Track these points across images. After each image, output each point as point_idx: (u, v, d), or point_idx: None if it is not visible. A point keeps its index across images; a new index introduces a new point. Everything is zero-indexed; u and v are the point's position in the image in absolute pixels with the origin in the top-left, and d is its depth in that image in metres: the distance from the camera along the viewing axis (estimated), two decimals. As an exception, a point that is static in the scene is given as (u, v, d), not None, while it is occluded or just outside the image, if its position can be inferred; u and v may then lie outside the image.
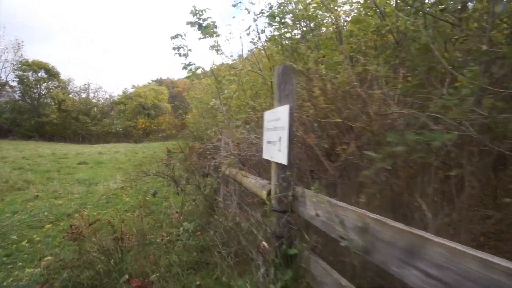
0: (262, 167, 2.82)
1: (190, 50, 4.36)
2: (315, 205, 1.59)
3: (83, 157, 15.46)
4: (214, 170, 4.30)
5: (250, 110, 4.82)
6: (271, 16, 4.96)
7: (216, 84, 4.96)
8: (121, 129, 37.30)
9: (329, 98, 1.87)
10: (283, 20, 5.11)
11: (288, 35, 5.77)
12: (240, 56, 7.08)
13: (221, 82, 5.06)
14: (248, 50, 7.73)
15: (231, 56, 7.51)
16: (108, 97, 43.54)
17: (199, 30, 4.05)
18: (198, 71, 5.09)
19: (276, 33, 6.10)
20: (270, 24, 5.96)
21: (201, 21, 4.01)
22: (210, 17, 4.08)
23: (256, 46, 7.22)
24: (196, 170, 4.44)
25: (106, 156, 16.92)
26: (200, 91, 12.65)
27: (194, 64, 4.36)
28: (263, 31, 8.43)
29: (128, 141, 33.30)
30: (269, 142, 2.05)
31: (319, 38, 4.88)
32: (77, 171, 11.28)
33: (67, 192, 7.77)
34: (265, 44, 6.64)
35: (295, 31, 5.88)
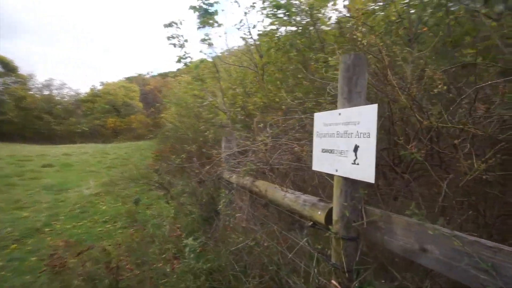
0: (291, 179, 2.41)
1: (186, 40, 3.84)
2: (418, 236, 1.21)
3: (48, 159, 14.08)
4: (216, 178, 3.82)
5: (254, 108, 4.39)
6: (276, 7, 4.56)
7: (216, 75, 4.45)
8: (87, 129, 34.97)
9: (411, 95, 1.50)
10: (287, 12, 4.74)
11: (289, 28, 5.41)
12: (231, 51, 6.62)
13: (219, 77, 4.57)
14: (238, 46, 7.28)
15: (222, 50, 7.01)
16: (74, 94, 40.73)
17: (203, 18, 3.55)
18: (188, 61, 4.56)
19: (273, 27, 5.72)
20: (269, 16, 5.56)
21: (206, 6, 3.49)
22: (218, 2, 3.59)
23: (246, 41, 6.81)
24: (196, 177, 3.93)
25: (73, 157, 15.58)
26: (180, 89, 11.95)
27: (190, 57, 3.84)
28: (254, 26, 8.02)
29: (96, 141, 31.20)
30: (327, 151, 1.65)
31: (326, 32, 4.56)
32: (42, 175, 10.12)
33: (33, 201, 6.80)
34: (257, 39, 6.24)
35: (292, 28, 5.54)
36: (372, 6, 4.26)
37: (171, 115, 12.72)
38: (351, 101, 1.49)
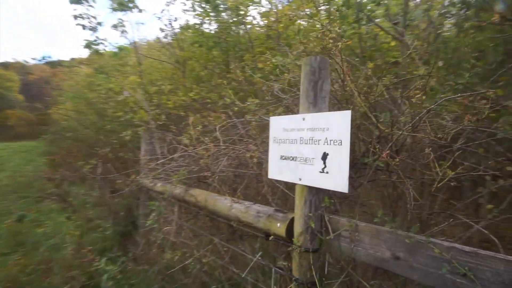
0: (233, 187, 2.23)
1: (100, 23, 3.21)
2: (389, 244, 1.21)
3: None
4: (136, 186, 3.33)
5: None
6: (204, 1, 4.29)
7: (138, 68, 3.87)
8: None
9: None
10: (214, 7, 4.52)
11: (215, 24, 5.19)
12: (150, 42, 5.98)
13: (141, 70, 4.00)
14: (159, 38, 6.66)
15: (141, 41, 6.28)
16: None
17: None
18: (101, 48, 3.84)
19: (198, 20, 5.43)
20: (194, 8, 5.23)
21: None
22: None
23: (167, 34, 6.30)
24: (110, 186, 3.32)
25: None
26: (79, 81, 10.25)
27: (103, 43, 3.23)
28: (176, 19, 7.48)
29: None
30: (287, 158, 1.54)
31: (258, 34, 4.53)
32: None
33: None
34: (180, 32, 5.84)
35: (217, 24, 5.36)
36: (298, 13, 4.44)
37: (67, 111, 10.76)
38: (316, 106, 1.42)
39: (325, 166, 1.33)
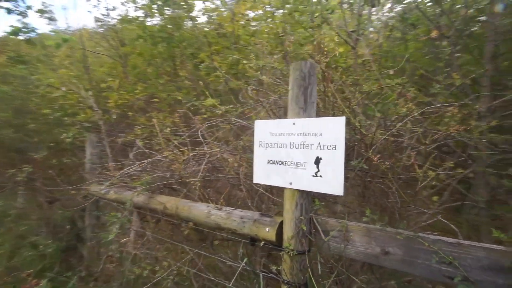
0: (206, 192, 2.15)
1: (29, 7, 2.72)
2: (380, 241, 1.31)
3: None
4: (81, 195, 2.98)
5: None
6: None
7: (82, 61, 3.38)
8: None
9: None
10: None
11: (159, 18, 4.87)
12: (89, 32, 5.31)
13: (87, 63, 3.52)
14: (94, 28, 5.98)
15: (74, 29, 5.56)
16: None
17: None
18: (33, 35, 3.25)
19: (141, 13, 5.04)
20: (134, 1, 4.85)
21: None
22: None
23: (102, 24, 5.73)
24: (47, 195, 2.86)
25: None
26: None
27: (34, 30, 2.76)
28: (114, 8, 6.79)
29: None
30: (276, 162, 1.54)
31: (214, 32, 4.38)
32: None
33: None
34: (119, 23, 5.35)
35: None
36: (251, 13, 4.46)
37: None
38: (306, 111, 1.45)
39: (319, 170, 1.37)
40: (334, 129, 1.32)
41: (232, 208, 1.81)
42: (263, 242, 1.54)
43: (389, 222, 1.43)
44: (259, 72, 2.29)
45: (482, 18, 2.89)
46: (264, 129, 1.60)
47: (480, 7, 2.54)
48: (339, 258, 1.46)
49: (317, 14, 3.73)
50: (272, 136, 1.56)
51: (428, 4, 3.08)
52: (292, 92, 1.48)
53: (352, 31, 3.13)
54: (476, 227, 2.55)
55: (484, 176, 2.38)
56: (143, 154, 2.56)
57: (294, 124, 1.46)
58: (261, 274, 1.60)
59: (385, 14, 3.54)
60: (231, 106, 1.99)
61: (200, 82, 3.54)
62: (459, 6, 2.60)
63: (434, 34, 2.56)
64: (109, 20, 5.31)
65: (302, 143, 1.43)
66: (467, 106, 2.16)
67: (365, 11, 3.31)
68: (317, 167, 1.38)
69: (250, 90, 2.19)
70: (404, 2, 3.79)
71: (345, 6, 3.35)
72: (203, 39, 4.48)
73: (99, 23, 5.54)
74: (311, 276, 1.37)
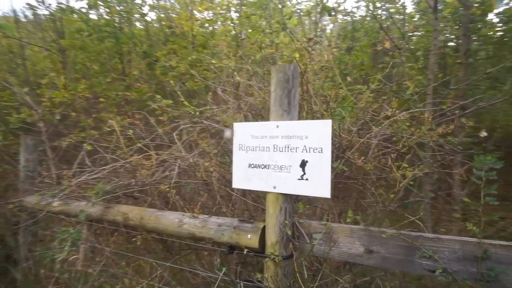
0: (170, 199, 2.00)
1: None
2: (363, 240, 1.35)
3: None
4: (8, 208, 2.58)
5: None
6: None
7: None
8: None
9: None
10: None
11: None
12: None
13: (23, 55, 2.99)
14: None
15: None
16: None
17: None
18: None
19: (83, 4, 4.59)
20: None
21: None
22: None
23: (37, 13, 5.07)
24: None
25: None
26: None
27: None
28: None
29: None
30: (258, 166, 1.49)
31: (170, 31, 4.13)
32: None
33: None
34: (57, 12, 4.80)
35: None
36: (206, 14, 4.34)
37: None
38: (290, 114, 1.44)
39: (304, 173, 1.37)
40: (320, 132, 1.33)
41: (207, 216, 1.71)
42: (246, 250, 1.47)
43: (364, 221, 1.48)
44: (234, 73, 2.23)
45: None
46: (244, 132, 1.55)
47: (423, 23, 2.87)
48: (323, 260, 1.47)
49: (275, 20, 3.80)
50: (253, 139, 1.51)
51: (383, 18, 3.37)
52: (275, 94, 1.45)
53: (310, 39, 3.25)
54: (421, 220, 2.83)
55: (430, 175, 2.66)
56: (96, 160, 2.30)
57: (278, 126, 1.44)
58: (241, 284, 1.53)
59: (338, 24, 3.77)
60: (208, 107, 1.89)
61: (153, 83, 3.32)
62: (407, 24, 2.89)
63: (387, 45, 2.78)
64: (45, 7, 4.68)
65: (287, 146, 1.41)
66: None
67: (324, 21, 3.47)
68: (303, 170, 1.37)
69: (220, 91, 2.11)
70: (355, 15, 4.10)
71: (302, 13, 3.48)
72: (157, 36, 4.21)
73: (32, 11, 4.85)
74: (302, 281, 1.35)
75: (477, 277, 1.13)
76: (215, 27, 4.22)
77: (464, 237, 1.19)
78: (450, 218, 2.83)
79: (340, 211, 1.73)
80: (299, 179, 1.38)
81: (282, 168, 1.42)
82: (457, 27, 3.00)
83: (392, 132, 1.76)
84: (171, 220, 1.77)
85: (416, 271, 1.25)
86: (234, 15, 4.22)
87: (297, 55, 3.78)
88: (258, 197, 1.92)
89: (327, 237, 1.41)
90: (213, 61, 2.35)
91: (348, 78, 2.87)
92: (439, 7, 2.52)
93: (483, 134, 2.22)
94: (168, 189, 1.69)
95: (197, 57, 3.46)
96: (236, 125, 1.58)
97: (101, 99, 4.16)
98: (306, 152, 1.36)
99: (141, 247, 2.15)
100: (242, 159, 1.55)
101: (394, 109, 1.79)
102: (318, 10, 3.20)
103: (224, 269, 1.59)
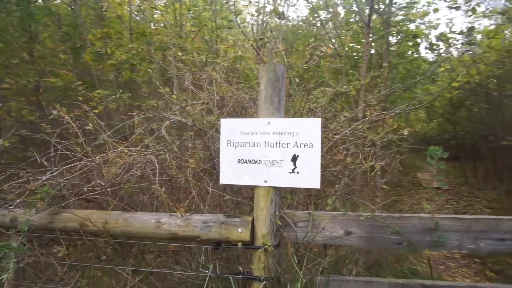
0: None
1: None
2: (342, 224, 1.54)
3: None
4: None
5: None
6: None
7: None
8: None
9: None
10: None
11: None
12: None
13: None
14: None
15: None
16: None
17: None
18: None
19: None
20: None
21: None
22: None
23: None
24: None
25: None
26: None
27: None
28: None
29: None
30: (248, 161, 1.53)
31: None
32: None
33: None
34: None
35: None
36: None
37: None
38: (280, 111, 1.53)
39: (296, 167, 1.48)
40: (311, 129, 1.46)
41: (188, 214, 1.66)
42: (241, 244, 1.50)
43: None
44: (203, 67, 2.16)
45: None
46: (233, 128, 1.56)
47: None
48: (307, 245, 1.62)
49: (222, 16, 3.79)
50: (243, 135, 1.55)
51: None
52: (266, 93, 1.52)
53: (261, 38, 3.39)
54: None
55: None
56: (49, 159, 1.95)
57: (269, 123, 1.51)
58: (231, 278, 1.55)
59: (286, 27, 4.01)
60: (193, 101, 1.80)
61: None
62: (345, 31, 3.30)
63: (328, 50, 3.12)
64: None
65: (278, 142, 1.50)
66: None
67: (273, 21, 3.64)
68: (294, 164, 1.48)
69: (187, 82, 2.03)
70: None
71: (252, 13, 3.58)
72: (84, 17, 3.66)
73: None
74: (298, 268, 1.46)
75: (431, 244, 1.46)
76: (155, 15, 3.93)
77: (421, 214, 1.50)
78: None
79: (310, 200, 1.91)
80: (290, 172, 1.49)
81: (274, 163, 1.51)
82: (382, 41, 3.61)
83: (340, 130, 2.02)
84: (146, 221, 1.65)
85: (387, 245, 1.51)
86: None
87: (248, 54, 3.88)
88: (232, 192, 1.95)
89: (312, 224, 1.56)
90: (179, 53, 2.22)
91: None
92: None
93: (406, 132, 2.75)
94: (156, 189, 1.56)
95: (138, 46, 3.19)
96: (223, 121, 1.59)
97: (5, 85, 3.44)
98: (297, 147, 1.48)
99: (90, 255, 1.93)
100: (231, 155, 1.56)
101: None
102: (268, 11, 3.35)
103: (211, 265, 1.58)
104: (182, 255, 1.94)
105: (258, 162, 1.53)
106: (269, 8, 3.42)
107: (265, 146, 1.52)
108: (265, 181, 1.51)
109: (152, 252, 1.98)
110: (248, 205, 2.03)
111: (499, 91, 6.13)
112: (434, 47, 4.82)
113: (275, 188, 1.52)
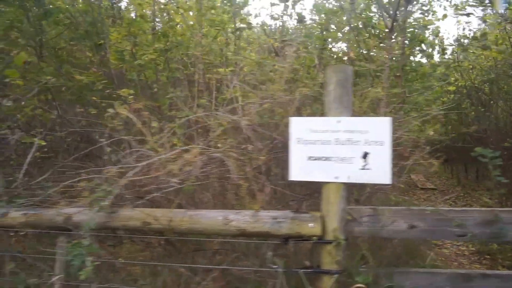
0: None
1: None
2: (407, 218, 1.62)
3: None
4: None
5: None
6: None
7: None
8: None
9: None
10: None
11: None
12: None
13: None
14: None
15: None
16: None
17: None
18: None
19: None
20: None
21: None
22: None
23: None
24: None
25: None
26: None
27: None
28: None
29: None
30: (318, 158, 1.59)
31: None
32: None
33: None
34: None
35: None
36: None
37: None
38: (349, 111, 1.60)
39: (366, 164, 1.55)
40: (381, 127, 1.53)
41: (252, 211, 1.69)
42: (315, 238, 1.54)
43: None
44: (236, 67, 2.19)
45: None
46: (303, 127, 1.62)
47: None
48: (371, 240, 1.68)
49: (241, 18, 3.84)
50: (313, 133, 1.60)
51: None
52: (335, 93, 1.58)
53: (283, 40, 3.46)
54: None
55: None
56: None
57: (339, 122, 1.57)
58: (301, 272, 1.59)
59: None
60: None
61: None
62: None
63: (352, 55, 3.23)
64: None
65: (349, 139, 1.56)
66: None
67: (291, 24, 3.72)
68: (365, 160, 1.55)
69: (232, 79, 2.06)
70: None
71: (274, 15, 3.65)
72: (104, 15, 3.59)
73: None
74: (367, 259, 1.52)
75: (491, 236, 1.56)
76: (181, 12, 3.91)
77: (481, 208, 1.60)
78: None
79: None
80: (361, 169, 1.55)
81: (344, 160, 1.57)
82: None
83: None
84: (214, 218, 1.67)
85: (449, 237, 1.60)
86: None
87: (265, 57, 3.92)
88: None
89: (376, 219, 1.63)
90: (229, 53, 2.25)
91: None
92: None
93: (431, 133, 2.88)
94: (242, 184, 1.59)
95: (164, 46, 3.19)
96: (293, 119, 1.64)
97: (16, 81, 3.34)
98: (368, 145, 1.54)
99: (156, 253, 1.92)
100: (301, 153, 1.61)
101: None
102: (289, 14, 3.43)
103: (282, 261, 1.62)
104: (238, 252, 1.96)
105: (328, 159, 1.58)
106: (289, 11, 3.51)
107: (335, 144, 1.58)
108: (336, 177, 1.57)
109: (205, 250, 1.99)
110: (297, 201, 2.09)
111: (492, 95, 6.49)
112: (445, 51, 5.11)
113: (345, 184, 1.58)
